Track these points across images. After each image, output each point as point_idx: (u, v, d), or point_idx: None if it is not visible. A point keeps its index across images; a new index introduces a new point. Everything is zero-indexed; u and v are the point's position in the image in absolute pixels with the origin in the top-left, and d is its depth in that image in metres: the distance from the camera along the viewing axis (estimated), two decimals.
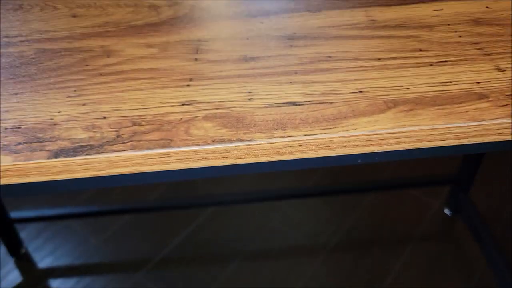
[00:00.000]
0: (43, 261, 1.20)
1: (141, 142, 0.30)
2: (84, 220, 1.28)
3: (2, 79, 0.36)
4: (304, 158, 0.32)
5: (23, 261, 1.19)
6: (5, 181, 0.30)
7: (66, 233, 1.26)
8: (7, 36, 0.41)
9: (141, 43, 0.40)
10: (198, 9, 0.44)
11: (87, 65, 0.37)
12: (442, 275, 1.15)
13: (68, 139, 0.31)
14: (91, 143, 0.30)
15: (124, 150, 0.30)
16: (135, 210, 1.21)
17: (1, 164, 0.29)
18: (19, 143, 0.31)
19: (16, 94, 0.35)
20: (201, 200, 1.25)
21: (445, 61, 0.37)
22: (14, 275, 1.17)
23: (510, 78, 0.35)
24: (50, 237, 1.25)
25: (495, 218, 1.26)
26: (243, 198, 1.23)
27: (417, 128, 0.31)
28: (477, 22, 0.42)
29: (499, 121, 0.32)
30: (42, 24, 0.43)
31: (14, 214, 1.15)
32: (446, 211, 1.28)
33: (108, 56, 0.38)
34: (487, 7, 0.44)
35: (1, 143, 0.31)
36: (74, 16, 0.44)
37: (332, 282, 1.14)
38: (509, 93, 0.34)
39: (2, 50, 0.39)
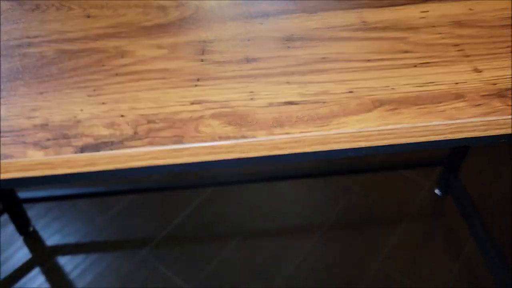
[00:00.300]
0: (51, 239, 1.25)
1: (156, 138, 0.34)
2: (90, 200, 1.33)
3: (27, 78, 0.40)
4: (300, 153, 0.36)
5: (31, 239, 1.24)
6: (37, 173, 0.34)
7: (73, 212, 1.31)
8: (28, 37, 0.45)
9: (152, 43, 0.44)
10: (203, 10, 0.48)
11: (103, 65, 0.41)
12: (432, 251, 1.21)
13: (91, 135, 0.35)
14: (112, 139, 0.34)
15: (142, 146, 0.34)
16: (139, 190, 1.25)
17: (34, 158, 0.33)
18: (48, 139, 0.35)
19: (41, 93, 0.39)
20: (201, 181, 1.29)
21: (428, 63, 0.41)
22: (23, 253, 1.22)
23: (486, 79, 0.39)
24: (57, 216, 1.30)
25: (483, 198, 1.31)
26: (241, 179, 1.28)
27: (400, 126, 0.35)
28: (459, 24, 0.45)
29: (473, 119, 0.36)
30: (59, 25, 0.46)
31: (22, 194, 1.19)
32: (437, 191, 1.33)
33: (122, 57, 0.42)
34: (469, 8, 0.47)
35: (32, 139, 0.35)
36: (88, 16, 0.47)
37: (327, 258, 1.20)
38: (484, 94, 0.38)
39: (24, 50, 0.43)
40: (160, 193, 1.34)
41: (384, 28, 0.45)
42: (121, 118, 0.36)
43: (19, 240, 1.24)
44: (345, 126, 0.35)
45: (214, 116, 0.36)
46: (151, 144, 0.34)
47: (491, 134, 0.37)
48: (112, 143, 0.34)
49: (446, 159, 1.25)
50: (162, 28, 0.46)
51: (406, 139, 0.36)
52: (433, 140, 0.36)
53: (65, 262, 1.21)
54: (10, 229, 1.26)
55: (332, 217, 1.29)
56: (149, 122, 0.36)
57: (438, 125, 0.35)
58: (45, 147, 0.34)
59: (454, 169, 1.25)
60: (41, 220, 1.29)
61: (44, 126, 0.36)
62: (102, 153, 0.34)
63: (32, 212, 1.29)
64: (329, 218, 1.28)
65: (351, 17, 0.47)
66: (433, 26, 0.45)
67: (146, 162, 0.34)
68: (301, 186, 1.36)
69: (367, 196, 1.33)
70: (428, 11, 0.47)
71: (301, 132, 0.35)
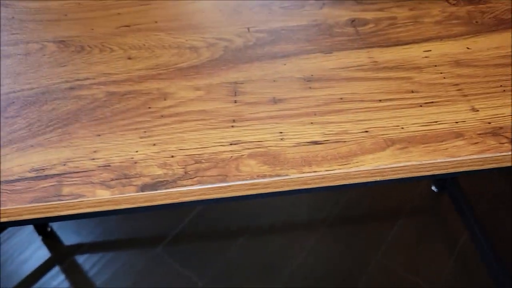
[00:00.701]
0: (68, 239, 1.32)
1: (204, 177, 0.41)
2: None
3: (84, 121, 0.46)
4: (324, 186, 0.42)
5: (50, 239, 1.31)
6: (103, 208, 0.40)
7: None
8: (78, 79, 0.50)
9: (189, 85, 0.50)
10: (231, 50, 0.54)
11: (149, 108, 0.47)
12: (429, 244, 1.29)
13: (148, 175, 0.41)
14: (166, 179, 0.41)
15: (192, 185, 0.40)
16: None
17: (102, 197, 0.39)
18: (112, 179, 0.41)
19: (99, 135, 0.45)
20: None
21: (432, 102, 0.47)
22: (43, 252, 1.29)
23: (482, 118, 0.45)
24: None
25: (477, 194, 1.39)
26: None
27: (409, 163, 0.42)
28: (458, 63, 0.52)
29: (471, 157, 0.42)
30: (104, 67, 0.52)
31: None
32: (433, 188, 1.40)
33: (165, 99, 0.48)
34: (467, 47, 0.53)
35: (98, 179, 0.41)
36: (129, 58, 0.53)
37: (330, 253, 1.28)
38: (480, 132, 0.44)
39: (76, 93, 0.49)
40: None
41: (392, 68, 0.51)
42: (171, 159, 0.42)
43: (38, 240, 1.31)
44: (363, 164, 0.41)
45: (251, 156, 0.42)
46: (199, 183, 0.40)
47: (486, 168, 0.43)
48: (167, 182, 0.40)
49: None
50: (196, 69, 0.52)
51: (414, 173, 0.42)
52: (437, 173, 0.43)
53: (83, 261, 1.27)
54: (29, 229, 1.32)
55: (334, 213, 1.36)
56: (196, 162, 0.42)
57: (442, 162, 0.42)
58: (111, 187, 0.40)
59: None
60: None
61: (106, 167, 0.42)
62: (159, 192, 0.40)
63: None
64: (332, 214, 1.36)
65: (362, 56, 0.53)
66: (435, 66, 0.51)
67: (197, 197, 0.41)
68: None
69: (367, 193, 1.41)
70: (430, 50, 0.53)
71: (326, 170, 0.41)
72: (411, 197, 1.39)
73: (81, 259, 1.27)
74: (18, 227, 1.33)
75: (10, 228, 1.33)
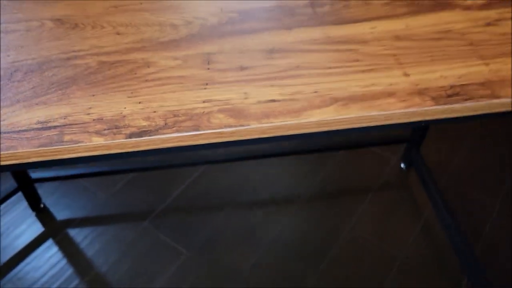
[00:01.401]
0: (60, 214, 1.40)
1: (180, 127, 0.50)
2: (93, 179, 1.47)
3: (80, 84, 0.54)
4: (280, 136, 0.51)
5: (43, 215, 1.39)
6: (98, 152, 0.49)
7: (78, 190, 1.45)
8: (73, 51, 0.59)
9: (169, 56, 0.58)
10: (206, 28, 0.63)
11: (135, 74, 0.56)
12: (397, 216, 1.39)
13: (135, 126, 0.50)
14: (150, 129, 0.50)
15: (171, 133, 0.49)
16: (138, 169, 1.40)
17: (96, 143, 0.48)
18: (105, 129, 0.50)
19: (93, 95, 0.53)
20: (194, 159, 1.45)
21: (372, 69, 0.57)
22: (37, 226, 1.37)
23: (411, 82, 0.55)
24: (64, 194, 1.45)
25: (442, 170, 1.50)
26: (230, 157, 1.44)
27: (349, 116, 0.51)
28: (398, 37, 0.61)
29: (400, 111, 0.52)
30: (96, 41, 0.60)
31: (34, 175, 1.33)
32: (402, 165, 1.51)
33: (148, 67, 0.57)
34: (407, 25, 0.63)
35: (93, 129, 0.50)
36: (117, 33, 0.62)
37: (306, 224, 1.38)
38: (409, 92, 0.54)
39: (73, 62, 0.57)
40: (157, 171, 1.49)
41: (342, 42, 0.61)
42: (154, 113, 0.51)
43: (32, 216, 1.39)
44: (312, 116, 0.51)
45: (220, 111, 0.51)
46: (177, 131, 0.49)
47: (413, 120, 0.53)
48: (150, 131, 0.49)
49: (409, 137, 1.42)
50: (175, 43, 0.60)
51: (354, 124, 0.52)
52: (372, 125, 0.52)
53: (75, 234, 1.36)
54: (23, 205, 1.40)
55: (310, 189, 1.46)
56: (174, 116, 0.51)
57: (376, 114, 0.51)
58: (104, 135, 0.49)
59: (416, 145, 1.42)
60: (50, 197, 1.44)
61: (100, 120, 0.51)
62: (144, 138, 0.49)
63: (41, 190, 1.43)
64: (308, 190, 1.46)
65: (318, 32, 0.62)
66: (378, 40, 0.61)
67: (174, 143, 0.50)
68: (283, 163, 1.53)
69: (341, 171, 1.51)
70: (375, 27, 0.62)
71: (281, 122, 0.50)
72: (381, 174, 1.49)
73: (72, 232, 1.36)
74: (13, 204, 1.41)
75: (4, 205, 1.40)
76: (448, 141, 1.59)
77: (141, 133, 0.49)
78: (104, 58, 0.58)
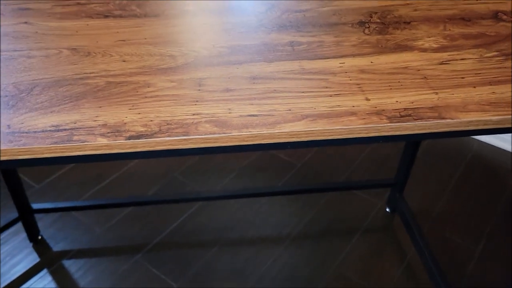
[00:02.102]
0: (56, 246, 1.46)
1: (172, 133, 0.59)
2: (89, 213, 1.54)
3: (89, 98, 0.64)
4: (257, 144, 0.60)
5: (40, 246, 1.44)
6: (101, 151, 0.58)
7: (75, 224, 1.52)
8: (85, 73, 0.69)
9: (166, 79, 0.69)
10: (199, 58, 0.73)
11: (137, 91, 0.66)
12: (381, 257, 1.45)
13: (134, 131, 0.59)
14: (146, 133, 0.59)
15: (164, 137, 0.58)
16: (135, 203, 1.47)
17: (100, 142, 0.57)
18: (108, 132, 0.59)
19: (100, 107, 0.63)
20: (190, 196, 1.52)
21: (338, 94, 0.66)
22: (33, 256, 1.42)
23: (371, 105, 0.64)
24: (61, 227, 1.51)
25: (425, 214, 1.57)
26: (224, 195, 1.52)
27: (316, 129, 0.60)
28: (362, 71, 0.71)
29: (359, 126, 0.61)
30: (105, 66, 0.71)
31: (35, 205, 1.40)
32: (387, 209, 1.58)
33: (148, 87, 0.67)
34: (371, 62, 0.74)
35: (99, 132, 0.59)
36: (124, 61, 0.72)
37: (293, 262, 1.43)
38: (368, 112, 0.63)
39: (84, 81, 0.68)
40: (154, 206, 1.56)
41: (315, 73, 0.71)
42: (151, 122, 0.60)
43: (29, 246, 1.44)
44: (284, 128, 0.60)
45: (206, 122, 0.61)
46: (169, 136, 0.58)
47: (370, 136, 0.62)
48: (146, 135, 0.58)
49: (393, 181, 1.51)
50: (172, 70, 0.71)
51: (320, 137, 0.61)
52: (337, 138, 0.62)
53: (69, 265, 1.41)
54: (21, 236, 1.46)
55: (298, 228, 1.52)
56: (167, 124, 0.60)
57: (338, 128, 0.61)
58: (107, 137, 0.58)
59: (399, 190, 1.50)
60: (48, 229, 1.50)
61: (105, 126, 0.60)
62: (140, 140, 0.58)
63: (40, 223, 1.49)
64: (296, 229, 1.52)
65: (295, 65, 0.73)
66: (346, 72, 0.71)
67: (166, 146, 0.58)
68: (273, 203, 1.60)
69: (329, 212, 1.58)
70: (344, 63, 0.73)
71: (258, 132, 0.59)
72: (367, 216, 1.56)
73: (67, 263, 1.41)
74: (12, 234, 1.46)
75: (4, 235, 1.46)
76: (430, 185, 1.66)
77: (139, 136, 0.58)
78: (111, 79, 0.68)
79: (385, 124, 0.62)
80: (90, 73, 0.70)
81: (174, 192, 1.62)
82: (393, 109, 0.64)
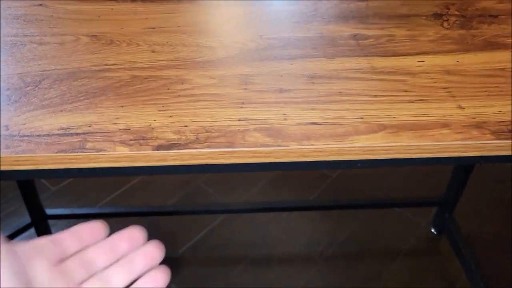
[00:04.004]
0: None
1: (212, 143, 0.45)
2: (105, 219, 1.41)
3: (109, 95, 0.51)
4: (321, 161, 0.47)
5: None
6: (121, 164, 0.45)
7: None
8: (106, 65, 0.57)
9: (205, 74, 0.55)
10: (244, 51, 0.60)
11: (168, 89, 0.53)
12: (426, 285, 1.28)
13: (163, 139, 0.46)
14: (179, 142, 0.45)
15: (201, 148, 0.45)
16: (155, 213, 1.34)
17: (120, 152, 0.44)
18: (130, 140, 0.46)
19: (122, 106, 0.50)
20: (214, 207, 1.39)
21: (422, 100, 0.52)
22: None
23: (467, 114, 0.50)
24: None
25: (477, 238, 1.40)
26: (250, 208, 1.38)
27: (399, 144, 0.46)
28: (448, 72, 0.57)
29: (455, 142, 0.47)
30: (131, 57, 0.58)
31: (49, 211, 1.29)
32: (432, 230, 1.42)
33: (182, 83, 0.54)
34: (457, 61, 0.59)
35: (118, 139, 0.45)
36: (153, 51, 0.59)
37: (326, 286, 1.28)
38: (465, 125, 0.49)
39: (105, 74, 0.55)
40: (173, 217, 1.43)
41: (388, 72, 0.57)
42: (185, 128, 0.47)
43: None
44: (357, 142, 0.46)
45: (256, 130, 0.47)
46: (208, 147, 0.45)
47: (469, 155, 0.47)
48: (179, 144, 0.45)
49: (441, 199, 1.35)
50: (211, 63, 0.58)
51: (403, 154, 0.47)
52: (424, 157, 0.47)
53: None
54: None
55: (332, 248, 1.37)
56: (206, 131, 0.47)
57: (429, 145, 0.46)
58: (129, 145, 0.45)
59: (449, 209, 1.34)
60: None
61: (126, 130, 0.47)
62: (172, 151, 0.44)
63: (53, 228, 1.38)
64: (329, 248, 1.37)
65: (362, 62, 0.59)
66: (428, 73, 0.57)
67: (204, 160, 0.45)
68: (305, 218, 1.46)
69: (366, 231, 1.42)
70: (424, 61, 0.59)
71: (323, 145, 0.46)
72: (410, 238, 1.40)
73: None
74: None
75: (15, 241, 1.35)
76: (481, 205, 1.50)
77: (170, 146, 0.45)
78: (137, 73, 0.55)
79: (490, 141, 0.47)
80: (112, 64, 0.57)
81: (197, 203, 1.49)
82: (496, 121, 0.49)
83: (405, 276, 1.30)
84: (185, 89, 0.53)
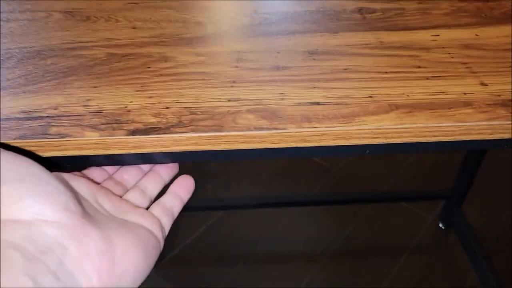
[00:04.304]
0: None
1: (198, 126, 0.39)
2: None
3: (81, 75, 0.45)
4: (325, 146, 0.40)
5: None
6: (91, 152, 0.38)
7: None
8: (80, 42, 0.50)
9: (192, 52, 0.49)
10: (236, 27, 0.54)
11: (149, 67, 0.46)
12: (434, 284, 1.22)
13: (141, 122, 0.39)
14: (159, 126, 0.39)
15: (185, 132, 0.38)
16: None
17: (89, 138, 0.38)
18: (102, 124, 0.39)
19: (95, 87, 0.43)
20: (212, 203, 1.32)
21: (439, 76, 0.46)
22: None
23: (491, 92, 0.44)
24: None
25: (486, 232, 1.34)
26: (250, 203, 1.31)
27: (414, 125, 0.40)
28: (467, 46, 0.51)
29: (480, 123, 0.40)
30: (109, 33, 0.52)
31: None
32: (440, 224, 1.36)
33: (165, 61, 0.47)
34: (476, 34, 0.53)
35: (88, 123, 0.39)
36: (133, 27, 0.53)
37: (330, 286, 1.21)
38: (489, 103, 0.42)
39: (78, 52, 0.48)
40: None
41: (399, 47, 0.50)
42: (166, 110, 0.41)
43: None
44: (366, 124, 0.40)
45: (249, 111, 0.41)
46: (193, 131, 0.38)
47: (496, 138, 0.41)
48: (159, 128, 0.39)
49: (449, 192, 1.29)
50: (200, 40, 0.51)
51: (420, 138, 0.40)
52: (444, 140, 0.41)
53: None
54: None
55: (336, 245, 1.31)
56: (191, 113, 0.40)
57: (449, 126, 0.40)
58: (100, 130, 0.38)
59: (457, 203, 1.28)
60: None
61: (98, 113, 0.40)
62: (150, 137, 0.38)
63: None
64: (333, 245, 1.31)
65: (369, 37, 0.52)
66: (443, 47, 0.50)
67: (188, 147, 0.39)
68: (307, 214, 1.39)
69: (371, 227, 1.36)
70: (438, 35, 0.52)
71: (327, 127, 0.39)
72: (416, 233, 1.34)
73: None
74: None
75: None
76: (490, 198, 1.43)
77: (148, 130, 0.38)
78: (114, 50, 0.49)
79: None
80: (87, 42, 0.50)
81: (193, 199, 1.42)
82: None
83: (412, 273, 1.24)
84: (168, 68, 0.46)
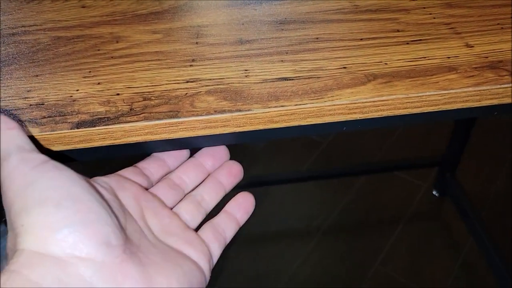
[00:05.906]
0: None
1: (151, 113, 0.35)
2: None
3: (22, 63, 0.40)
4: (296, 126, 0.36)
5: None
6: None
7: None
8: (23, 26, 0.45)
9: (147, 29, 0.44)
10: None
11: (98, 50, 0.42)
12: (431, 252, 1.20)
13: (87, 112, 0.35)
14: (107, 115, 0.35)
15: (137, 121, 0.34)
16: None
17: (28, 134, 0.33)
18: (43, 117, 0.35)
19: (37, 76, 0.39)
20: None
21: (420, 40, 0.41)
22: None
23: (477, 53, 0.39)
24: None
25: (481, 197, 1.31)
26: (239, 183, 1.27)
27: (393, 97, 0.36)
28: (449, 5, 0.46)
29: (466, 89, 0.36)
30: (55, 15, 0.47)
31: None
32: (434, 192, 1.33)
33: (117, 42, 0.43)
34: None
35: (27, 117, 0.35)
36: (83, 7, 0.48)
37: (326, 261, 1.19)
38: (476, 66, 0.38)
39: (19, 38, 0.43)
40: None
41: (375, 11, 0.46)
42: (116, 96, 0.36)
43: None
44: (340, 98, 0.35)
45: (209, 93, 0.36)
46: (146, 119, 0.34)
47: (484, 105, 0.37)
48: (108, 118, 0.34)
49: (441, 159, 1.25)
50: (156, 15, 0.46)
51: (400, 110, 0.36)
52: (427, 111, 0.37)
53: None
54: None
55: (330, 220, 1.28)
56: (144, 99, 0.36)
57: (432, 95, 0.36)
58: (41, 124, 0.34)
59: (450, 169, 1.25)
60: None
61: (39, 106, 0.36)
62: (97, 129, 0.34)
63: None
64: (327, 221, 1.28)
65: (343, 1, 0.47)
66: (424, 8, 0.46)
67: (142, 137, 0.34)
68: (298, 190, 1.36)
69: (364, 199, 1.33)
70: None
71: (296, 105, 0.35)
72: (411, 202, 1.31)
73: None
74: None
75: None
76: (484, 163, 1.40)
77: (94, 122, 0.34)
78: (60, 33, 0.44)
79: (509, 85, 0.36)
80: (30, 25, 0.45)
81: None
82: None
83: (409, 243, 1.22)
84: (120, 49, 0.42)
